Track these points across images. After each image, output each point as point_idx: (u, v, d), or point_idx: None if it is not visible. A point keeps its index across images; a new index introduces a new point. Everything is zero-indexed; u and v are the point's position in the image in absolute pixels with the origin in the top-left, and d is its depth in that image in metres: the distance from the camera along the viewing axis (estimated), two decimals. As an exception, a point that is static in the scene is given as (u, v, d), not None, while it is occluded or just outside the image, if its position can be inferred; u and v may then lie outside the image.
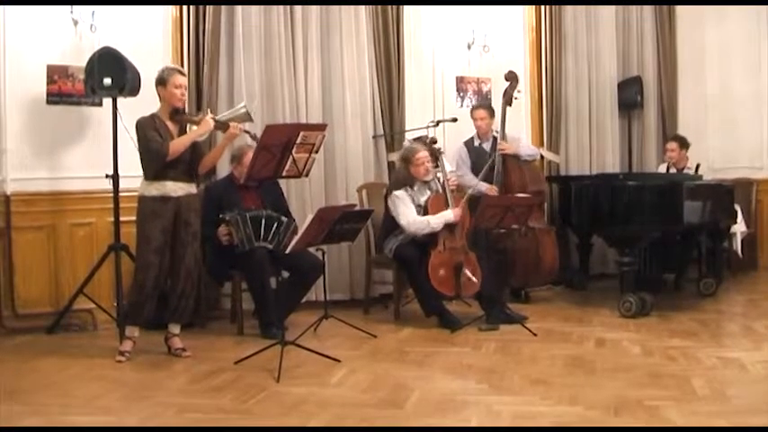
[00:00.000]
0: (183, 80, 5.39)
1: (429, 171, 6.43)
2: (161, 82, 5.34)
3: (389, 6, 7.48)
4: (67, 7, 6.23)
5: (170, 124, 5.37)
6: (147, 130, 5.26)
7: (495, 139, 7.32)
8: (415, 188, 6.47)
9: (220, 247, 5.99)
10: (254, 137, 5.42)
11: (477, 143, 7.43)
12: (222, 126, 5.39)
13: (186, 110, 5.70)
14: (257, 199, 6.14)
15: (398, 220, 6.35)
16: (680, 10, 9.21)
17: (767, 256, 9.05)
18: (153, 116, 5.36)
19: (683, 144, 8.08)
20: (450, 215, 6.29)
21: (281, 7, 6.99)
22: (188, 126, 5.46)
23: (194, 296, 5.59)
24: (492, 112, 7.38)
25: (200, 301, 6.31)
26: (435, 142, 6.77)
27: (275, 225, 5.95)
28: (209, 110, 6.04)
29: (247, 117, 5.54)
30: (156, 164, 5.26)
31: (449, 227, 6.31)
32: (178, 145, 5.28)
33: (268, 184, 6.18)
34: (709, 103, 9.32)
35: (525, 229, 6.98)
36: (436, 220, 6.27)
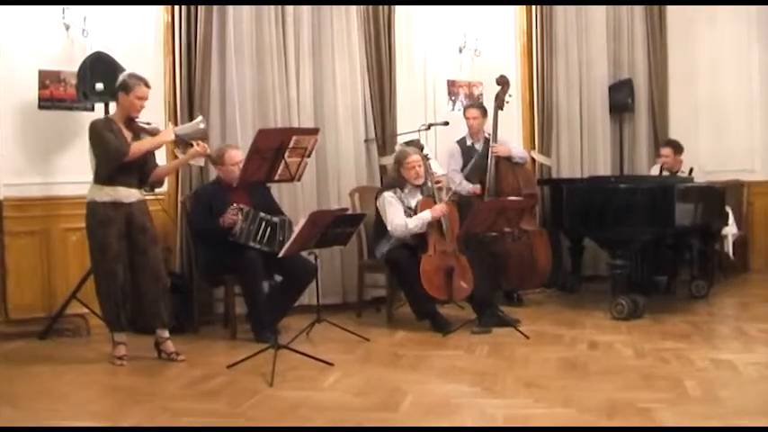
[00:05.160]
0: (146, 92, 5.31)
1: (420, 175, 6.44)
2: (124, 88, 5.26)
3: (381, 8, 7.48)
4: (59, 12, 6.20)
5: (125, 130, 5.30)
6: (104, 132, 5.20)
7: (486, 140, 7.35)
8: (406, 191, 6.48)
9: (215, 249, 5.97)
10: (213, 160, 5.76)
11: (469, 143, 7.45)
12: (183, 143, 5.40)
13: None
14: (246, 201, 6.11)
15: (385, 222, 6.38)
16: (671, 13, 9.25)
17: (758, 259, 9.07)
18: (108, 119, 5.36)
19: (678, 149, 8.08)
20: (426, 215, 6.28)
21: (273, 11, 6.97)
22: (141, 135, 5.39)
23: (168, 297, 5.50)
24: (484, 112, 7.40)
25: (194, 305, 6.32)
26: (422, 149, 6.74)
27: (274, 231, 5.97)
28: (170, 123, 6.03)
29: (205, 135, 5.54)
30: (113, 164, 5.18)
31: (439, 231, 6.33)
32: (138, 148, 5.24)
33: (257, 187, 6.16)
34: (700, 105, 9.34)
35: (518, 233, 6.99)
36: (414, 223, 6.29)
